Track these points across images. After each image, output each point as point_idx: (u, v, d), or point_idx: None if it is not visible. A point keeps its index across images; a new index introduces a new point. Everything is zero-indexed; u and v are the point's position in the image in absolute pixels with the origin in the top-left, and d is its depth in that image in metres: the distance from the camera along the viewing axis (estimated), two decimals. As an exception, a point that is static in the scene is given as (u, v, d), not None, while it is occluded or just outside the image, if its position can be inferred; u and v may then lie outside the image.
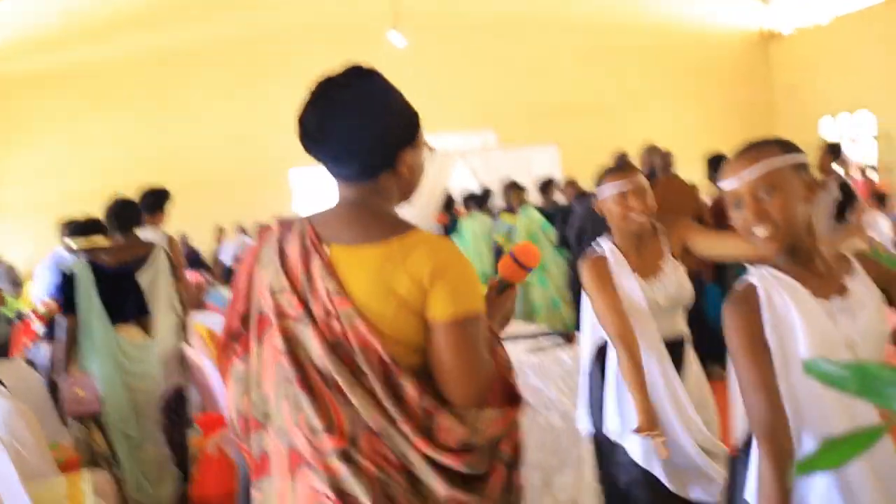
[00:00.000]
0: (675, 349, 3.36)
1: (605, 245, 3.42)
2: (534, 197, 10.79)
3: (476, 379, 1.86)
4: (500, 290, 2.22)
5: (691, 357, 3.43)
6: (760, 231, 2.10)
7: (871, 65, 15.56)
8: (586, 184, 10.64)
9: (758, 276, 2.14)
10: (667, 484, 3.30)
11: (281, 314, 1.91)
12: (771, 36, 18.40)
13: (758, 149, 2.13)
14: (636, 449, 3.32)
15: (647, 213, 3.33)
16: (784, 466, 1.95)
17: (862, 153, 16.13)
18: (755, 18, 18.55)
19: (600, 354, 3.49)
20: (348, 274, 1.87)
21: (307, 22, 14.99)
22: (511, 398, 1.96)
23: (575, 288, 8.81)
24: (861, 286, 2.14)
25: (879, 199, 12.02)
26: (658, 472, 3.29)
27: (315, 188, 15.00)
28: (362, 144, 1.89)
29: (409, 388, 1.83)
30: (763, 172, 2.09)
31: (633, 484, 3.34)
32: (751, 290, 2.11)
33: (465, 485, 1.84)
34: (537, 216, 9.79)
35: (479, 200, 11.08)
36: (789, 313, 2.07)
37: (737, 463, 2.21)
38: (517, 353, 4.76)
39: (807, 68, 17.37)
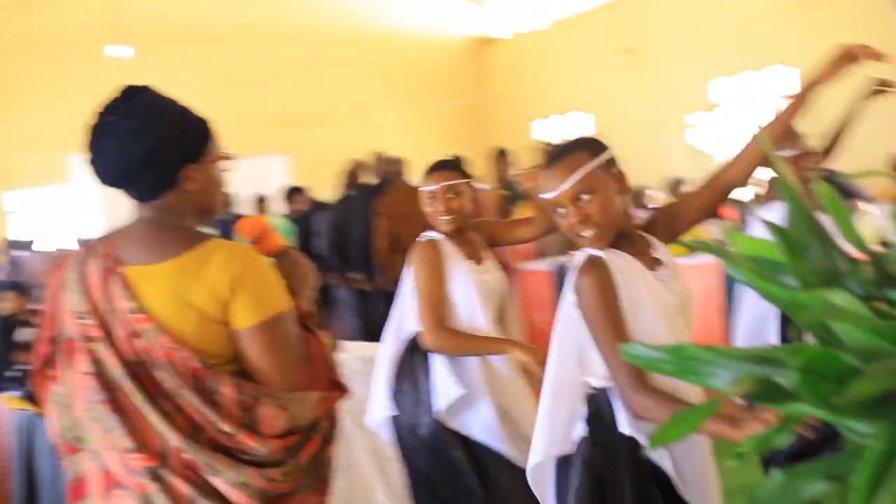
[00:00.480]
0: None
1: (433, 234, 3.54)
2: (277, 206, 10.84)
3: (289, 374, 1.96)
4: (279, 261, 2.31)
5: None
6: (587, 233, 2.28)
7: (588, 68, 16.51)
8: (320, 193, 10.71)
9: (605, 257, 2.30)
10: (510, 454, 3.41)
11: (86, 337, 1.93)
12: (487, 41, 19.12)
13: (570, 157, 2.29)
14: (477, 425, 3.41)
15: (455, 215, 3.46)
16: (655, 394, 2.17)
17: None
18: (472, 24, 19.22)
19: (413, 344, 3.56)
20: (146, 292, 1.91)
21: (21, 33, 14.17)
22: (334, 383, 2.07)
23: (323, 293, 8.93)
24: (665, 256, 2.39)
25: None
26: (502, 445, 3.40)
27: (31, 210, 14.20)
28: (130, 166, 1.91)
29: (225, 389, 1.89)
30: (579, 180, 2.25)
31: (449, 464, 3.43)
32: (600, 261, 2.28)
33: (278, 465, 1.92)
34: (281, 223, 9.86)
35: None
36: (635, 282, 2.27)
37: (598, 399, 2.35)
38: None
39: (522, 72, 18.18)
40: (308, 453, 1.98)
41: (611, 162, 2.32)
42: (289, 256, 2.33)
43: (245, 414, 1.90)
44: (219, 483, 1.86)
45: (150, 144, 1.91)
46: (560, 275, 8.10)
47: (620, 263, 2.30)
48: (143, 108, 1.94)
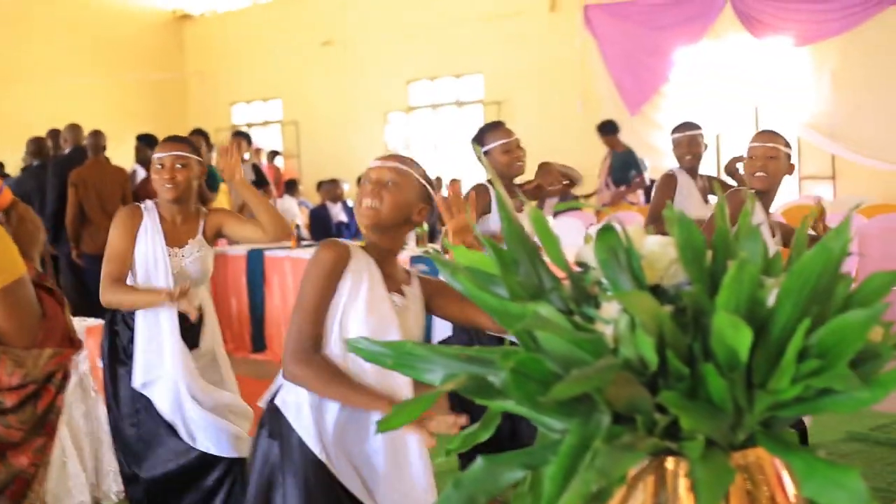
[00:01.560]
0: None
1: (149, 203, 3.69)
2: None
3: (28, 334, 2.11)
4: None
5: (209, 327, 3.76)
6: (368, 202, 2.45)
7: (286, 55, 16.49)
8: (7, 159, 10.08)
9: (351, 245, 2.44)
10: (183, 435, 3.55)
11: None
12: (184, 17, 18.64)
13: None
14: (164, 399, 3.50)
15: (178, 186, 3.59)
16: (317, 369, 2.35)
17: (269, 140, 17.08)
18: (171, -1, 18.67)
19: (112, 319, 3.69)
20: None
21: None
22: (68, 340, 2.22)
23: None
24: (413, 295, 2.54)
25: (290, 185, 12.83)
26: (178, 421, 3.54)
27: None
28: None
29: None
30: (393, 167, 2.46)
31: (151, 437, 3.49)
32: (343, 247, 2.40)
33: (14, 412, 2.10)
34: None
35: None
36: (363, 282, 2.40)
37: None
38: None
39: (221, 53, 17.89)
40: (44, 403, 2.14)
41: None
42: (17, 211, 2.39)
43: None
44: None
45: None
46: (249, 259, 8.11)
47: (360, 262, 2.43)
48: None
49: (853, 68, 10.63)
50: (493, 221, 4.33)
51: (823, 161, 11.54)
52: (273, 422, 2.48)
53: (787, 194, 11.38)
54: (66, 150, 8.13)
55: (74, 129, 8.37)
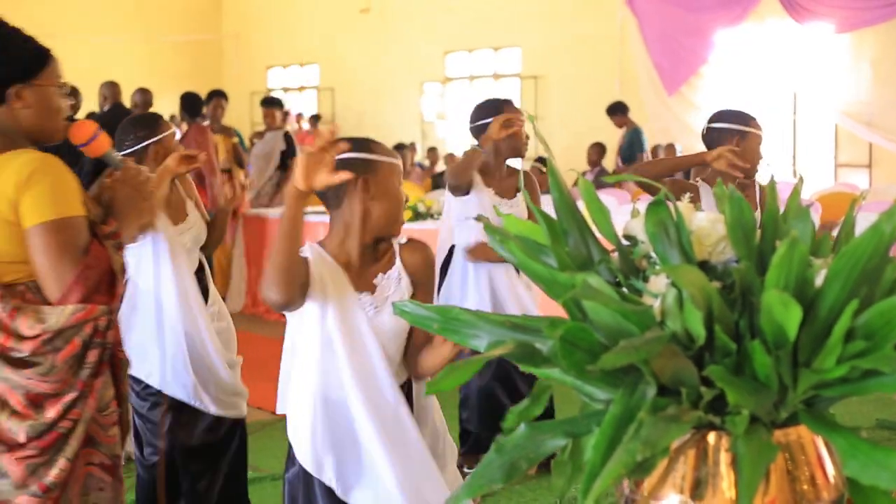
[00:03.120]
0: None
1: None
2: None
3: (57, 277, 2.10)
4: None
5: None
6: None
7: (323, 20, 16.48)
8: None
9: (310, 251, 2.33)
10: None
11: None
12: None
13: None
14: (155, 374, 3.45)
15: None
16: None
17: (305, 105, 17.12)
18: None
19: None
20: None
21: None
22: (108, 291, 2.18)
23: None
24: (392, 283, 2.40)
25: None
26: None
27: None
28: None
29: None
30: None
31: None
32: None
33: (33, 365, 2.11)
34: None
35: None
36: (326, 292, 2.31)
37: None
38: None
39: (259, 16, 17.89)
40: (65, 355, 2.12)
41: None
42: (127, 170, 2.34)
43: (10, 318, 2.09)
44: None
45: None
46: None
47: (326, 273, 2.33)
48: None
49: (893, 57, 10.52)
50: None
51: (860, 149, 11.45)
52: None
53: (824, 181, 11.32)
54: (107, 108, 8.16)
55: (113, 86, 8.39)
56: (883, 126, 10.65)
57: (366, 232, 2.35)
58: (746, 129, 3.76)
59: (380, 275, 2.40)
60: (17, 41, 2.20)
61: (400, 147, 11.82)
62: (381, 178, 2.34)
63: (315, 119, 15.00)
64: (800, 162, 12.08)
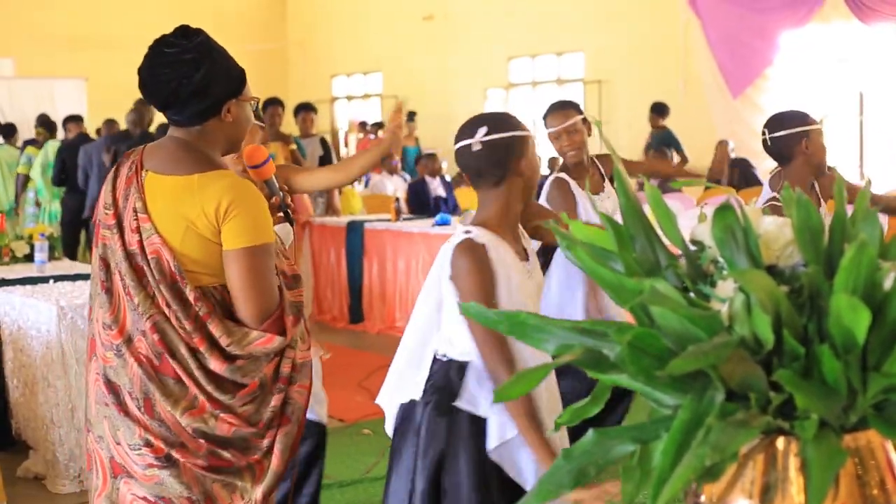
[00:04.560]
0: None
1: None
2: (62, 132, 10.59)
3: (259, 302, 2.24)
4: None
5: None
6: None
7: (386, 28, 16.58)
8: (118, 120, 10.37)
9: (479, 234, 2.43)
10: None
11: (105, 224, 2.29)
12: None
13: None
14: None
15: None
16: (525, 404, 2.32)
17: (369, 113, 17.23)
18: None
19: None
20: (153, 196, 2.25)
21: None
22: (281, 330, 2.28)
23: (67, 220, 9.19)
24: (530, 246, 2.58)
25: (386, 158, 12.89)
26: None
27: None
28: (185, 93, 2.24)
29: (190, 294, 2.20)
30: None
31: None
32: (478, 244, 2.40)
33: (219, 388, 2.21)
34: (32, 152, 9.90)
35: (4, 132, 11.09)
36: (505, 268, 2.42)
37: (449, 370, 2.48)
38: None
39: (323, 25, 18.04)
40: (249, 390, 2.23)
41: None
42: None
43: (202, 320, 2.20)
44: (174, 365, 2.18)
45: (206, 76, 2.25)
46: (349, 231, 8.23)
47: (501, 252, 2.43)
48: (199, 45, 2.28)
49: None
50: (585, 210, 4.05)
51: (925, 151, 11.24)
52: (441, 399, 2.46)
53: (891, 183, 11.10)
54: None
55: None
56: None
57: (522, 204, 2.52)
58: (809, 127, 3.69)
59: (522, 240, 2.57)
60: (230, 59, 2.37)
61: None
62: (531, 153, 2.50)
63: (377, 127, 15.08)
64: (867, 164, 11.87)
